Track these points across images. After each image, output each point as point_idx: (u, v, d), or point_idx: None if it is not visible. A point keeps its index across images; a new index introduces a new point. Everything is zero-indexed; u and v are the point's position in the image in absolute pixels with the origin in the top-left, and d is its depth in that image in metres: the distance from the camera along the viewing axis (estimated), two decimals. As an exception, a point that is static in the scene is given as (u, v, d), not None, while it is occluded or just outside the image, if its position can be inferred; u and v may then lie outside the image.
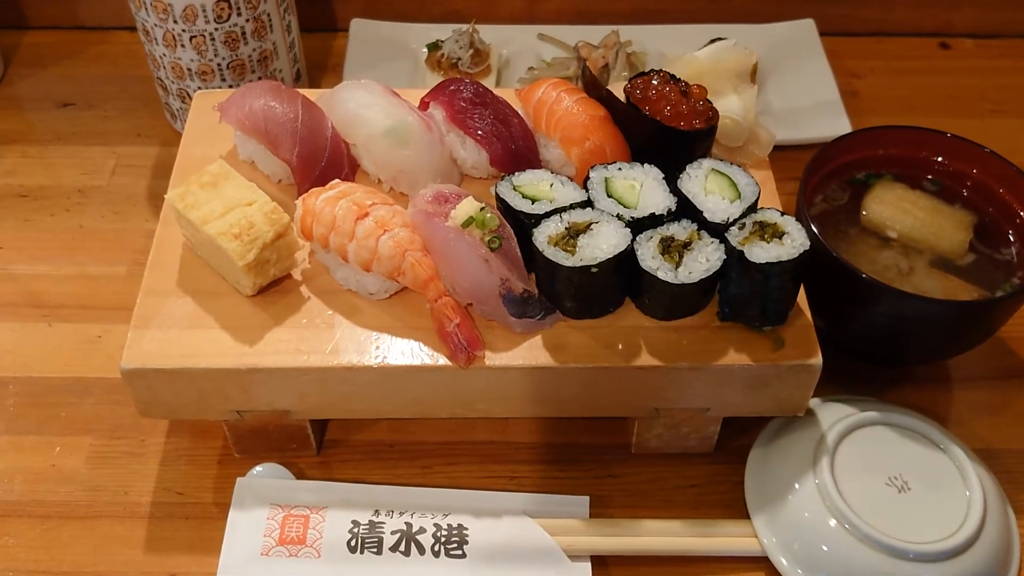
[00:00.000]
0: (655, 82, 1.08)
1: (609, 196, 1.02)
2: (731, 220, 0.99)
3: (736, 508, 1.07)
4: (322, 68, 1.60)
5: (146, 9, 1.28)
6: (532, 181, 1.04)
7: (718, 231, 0.99)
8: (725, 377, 0.99)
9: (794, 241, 0.96)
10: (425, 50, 1.54)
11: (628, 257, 0.97)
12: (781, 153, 1.19)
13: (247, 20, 1.31)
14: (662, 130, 1.05)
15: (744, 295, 0.98)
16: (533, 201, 1.01)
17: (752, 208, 1.00)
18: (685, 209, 1.01)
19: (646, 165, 1.04)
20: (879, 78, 1.61)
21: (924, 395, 1.18)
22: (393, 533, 1.02)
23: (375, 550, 1.01)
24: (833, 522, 1.00)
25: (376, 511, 1.04)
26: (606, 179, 1.03)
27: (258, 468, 1.08)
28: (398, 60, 1.55)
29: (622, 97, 1.09)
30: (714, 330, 1.00)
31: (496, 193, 1.03)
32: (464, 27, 1.52)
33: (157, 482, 1.10)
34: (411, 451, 1.13)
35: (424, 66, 1.52)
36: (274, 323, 1.00)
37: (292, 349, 0.98)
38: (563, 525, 1.04)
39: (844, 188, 1.19)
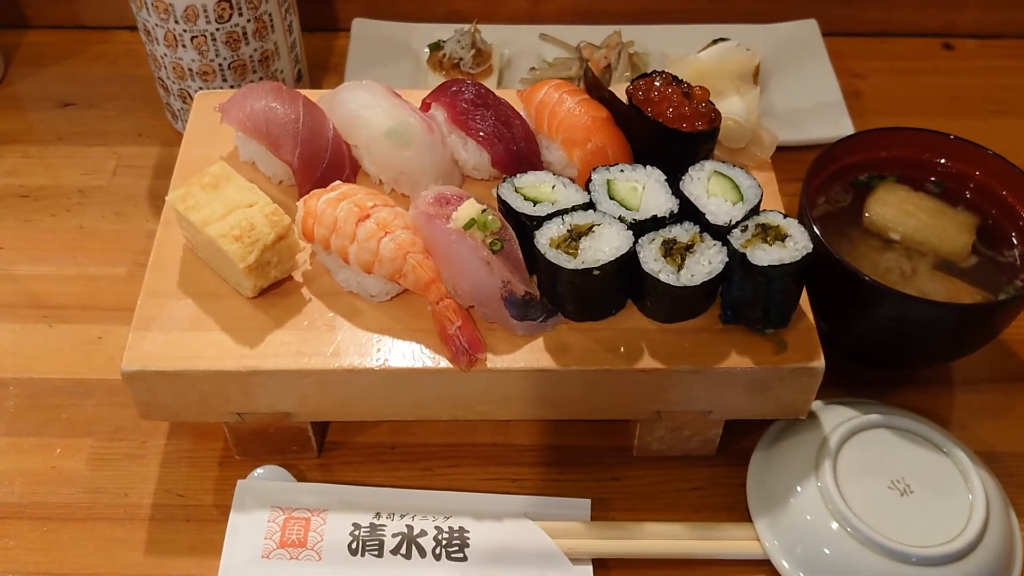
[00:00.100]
0: (657, 83, 1.07)
1: (611, 198, 1.01)
2: (733, 222, 0.98)
3: (738, 511, 1.07)
4: (324, 68, 1.60)
5: (147, 9, 1.28)
6: (534, 183, 1.04)
7: (720, 233, 0.98)
8: (727, 380, 0.99)
9: (797, 244, 0.96)
10: (427, 50, 1.54)
11: (630, 259, 0.97)
12: (783, 154, 1.18)
13: (248, 20, 1.31)
14: (664, 132, 1.05)
15: (746, 298, 0.97)
16: (535, 203, 1.01)
17: (755, 210, 1.00)
18: (687, 211, 1.01)
19: (648, 167, 1.04)
20: (882, 78, 1.60)
21: (927, 398, 1.18)
22: (394, 536, 1.02)
23: (376, 553, 1.01)
24: (835, 525, 1.00)
25: (377, 513, 1.03)
26: (608, 181, 1.03)
27: (259, 470, 1.08)
28: (400, 60, 1.55)
29: (624, 98, 1.09)
30: (716, 333, 1.00)
31: (498, 195, 1.03)
32: (466, 27, 1.52)
33: (158, 484, 1.10)
34: (412, 453, 1.12)
35: (426, 66, 1.52)
36: (275, 325, 1.00)
37: (293, 351, 0.98)
38: (565, 528, 1.04)
39: (847, 190, 1.19)
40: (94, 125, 1.50)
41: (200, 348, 0.98)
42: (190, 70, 1.34)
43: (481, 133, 1.09)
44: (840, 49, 1.59)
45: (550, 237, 0.98)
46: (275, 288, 1.03)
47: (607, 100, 1.10)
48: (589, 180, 1.03)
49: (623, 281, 0.99)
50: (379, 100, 1.12)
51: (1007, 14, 1.65)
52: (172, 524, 1.07)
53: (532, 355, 0.98)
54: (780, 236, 0.96)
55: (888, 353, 1.15)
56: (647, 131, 1.06)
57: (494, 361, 0.98)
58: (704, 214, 0.99)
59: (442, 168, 1.10)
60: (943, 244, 1.14)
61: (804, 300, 1.01)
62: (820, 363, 0.98)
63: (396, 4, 1.62)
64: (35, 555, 1.04)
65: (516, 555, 1.01)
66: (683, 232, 0.99)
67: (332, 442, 1.13)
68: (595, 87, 1.12)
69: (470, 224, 0.97)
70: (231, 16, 1.29)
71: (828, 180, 1.18)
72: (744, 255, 0.95)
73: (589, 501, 1.06)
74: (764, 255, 0.95)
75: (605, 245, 0.97)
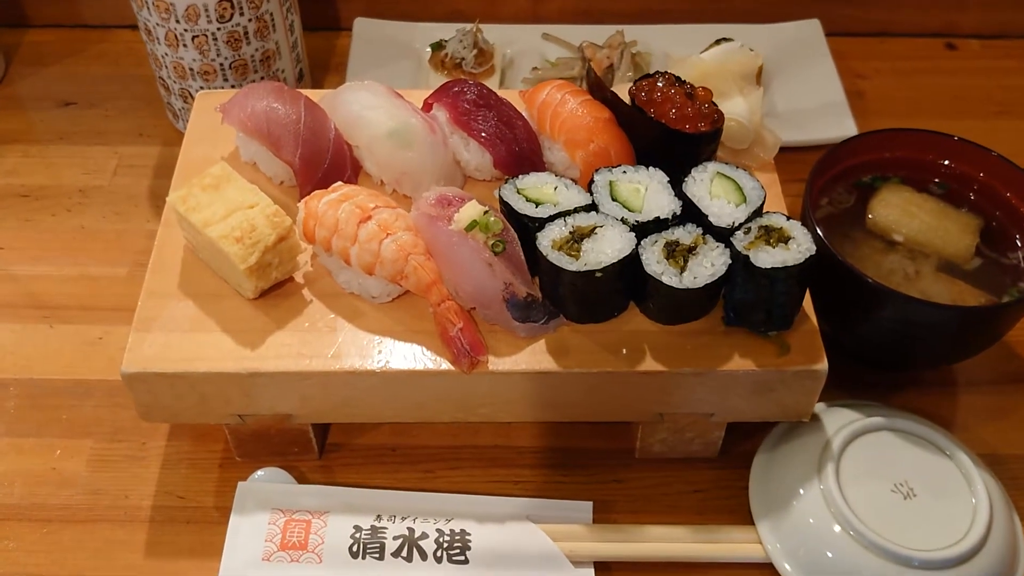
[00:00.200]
0: (660, 84, 1.07)
1: (614, 199, 1.01)
2: (736, 224, 0.98)
3: (740, 514, 1.07)
4: (325, 68, 1.59)
5: (148, 8, 1.28)
6: (536, 184, 1.03)
7: (723, 235, 0.98)
8: (730, 382, 0.99)
9: (800, 246, 0.95)
10: (429, 50, 1.53)
11: (632, 262, 0.96)
12: (786, 155, 1.18)
13: (250, 20, 1.31)
14: (667, 133, 1.04)
15: (749, 300, 0.97)
16: (537, 204, 1.01)
17: (758, 212, 1.00)
18: (690, 213, 1.00)
19: (651, 168, 1.03)
20: (885, 79, 1.60)
21: (930, 400, 1.17)
22: (395, 538, 1.01)
23: (377, 555, 1.00)
24: (838, 528, 0.99)
25: (378, 516, 1.03)
26: (611, 182, 1.02)
27: (259, 472, 1.07)
28: (402, 60, 1.54)
29: (627, 99, 1.08)
30: (719, 335, 1.00)
31: (500, 196, 1.02)
32: (468, 27, 1.51)
33: (158, 486, 1.09)
34: (413, 455, 1.12)
35: (428, 66, 1.52)
36: (276, 327, 1.00)
37: (294, 353, 0.98)
38: (566, 531, 1.03)
39: (850, 191, 1.18)
40: (95, 125, 1.50)
41: (201, 349, 0.98)
42: (191, 70, 1.33)
43: (483, 134, 1.09)
44: (842, 49, 1.59)
45: (552, 239, 0.97)
46: (276, 289, 1.03)
47: (610, 101, 1.10)
48: (591, 181, 1.03)
49: (625, 283, 0.99)
50: (381, 100, 1.11)
51: (1010, 14, 1.64)
52: (172, 526, 1.06)
53: (534, 357, 0.98)
54: (783, 238, 0.96)
55: (891, 355, 1.14)
56: (650, 132, 1.06)
57: (496, 363, 0.97)
58: (707, 216, 0.99)
59: (444, 169, 1.10)
60: (947, 246, 1.13)
61: (807, 302, 1.01)
62: (823, 365, 0.98)
63: (398, 3, 1.62)
64: (35, 557, 1.04)
65: (517, 558, 1.01)
66: (686, 234, 0.98)
67: (333, 444, 1.13)
68: (597, 87, 1.11)
69: (472, 226, 0.97)
70: (232, 16, 1.29)
71: (831, 181, 1.17)
72: (747, 257, 0.95)
73: (591, 503, 1.06)
74: (767, 257, 0.94)
75: (607, 247, 0.96)
